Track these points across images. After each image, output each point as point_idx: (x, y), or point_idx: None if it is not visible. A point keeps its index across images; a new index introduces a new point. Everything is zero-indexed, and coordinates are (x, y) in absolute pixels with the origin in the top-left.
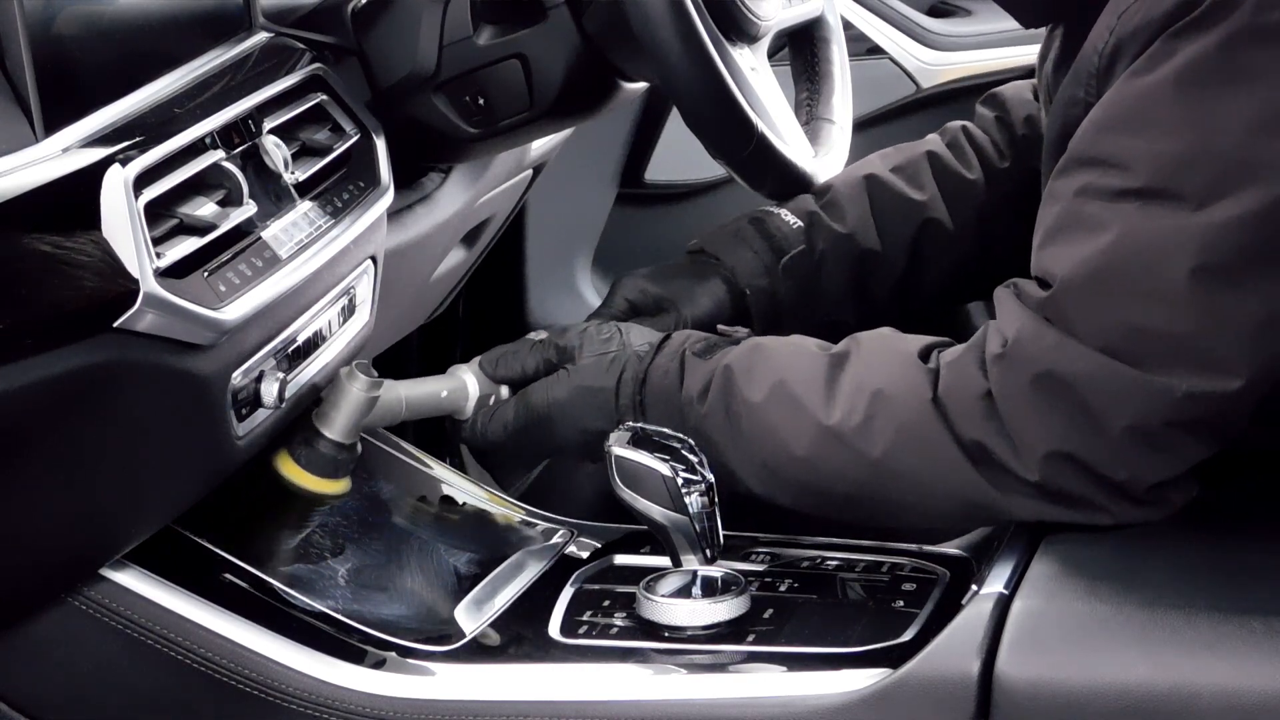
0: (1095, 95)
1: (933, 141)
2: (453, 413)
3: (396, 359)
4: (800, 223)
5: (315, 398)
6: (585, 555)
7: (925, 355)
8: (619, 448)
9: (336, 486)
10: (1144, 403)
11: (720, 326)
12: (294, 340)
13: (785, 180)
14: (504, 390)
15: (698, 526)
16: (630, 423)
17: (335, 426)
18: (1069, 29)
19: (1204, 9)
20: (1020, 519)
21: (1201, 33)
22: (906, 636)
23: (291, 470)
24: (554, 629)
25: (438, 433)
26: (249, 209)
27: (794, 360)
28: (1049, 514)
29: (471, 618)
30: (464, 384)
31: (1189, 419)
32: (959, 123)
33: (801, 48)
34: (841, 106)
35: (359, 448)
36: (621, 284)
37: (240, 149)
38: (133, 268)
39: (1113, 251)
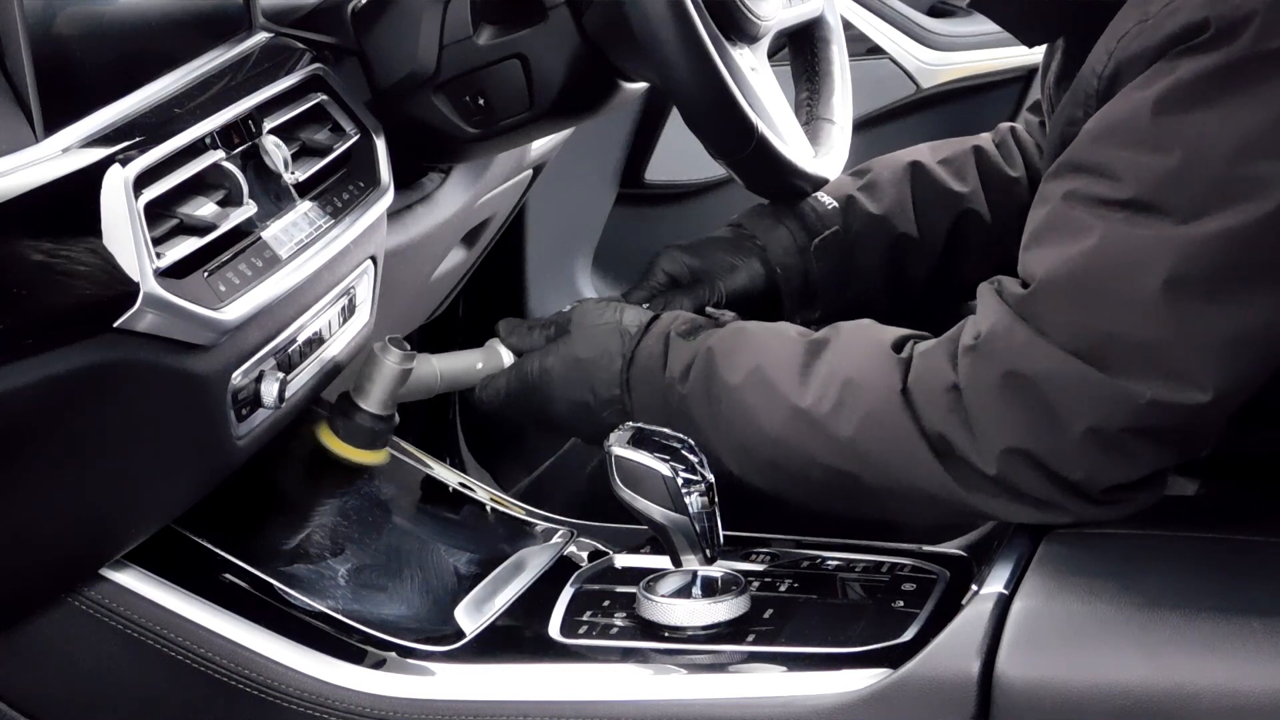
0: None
1: (982, 138)
2: None
3: None
4: (836, 204)
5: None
6: (585, 555)
7: (899, 346)
8: (619, 448)
9: (376, 457)
10: (1106, 406)
11: (709, 309)
12: (294, 340)
13: (785, 180)
14: None
15: (698, 526)
16: (615, 396)
17: (371, 399)
18: (1070, 46)
19: (1206, 38)
20: (981, 515)
21: (1202, 55)
22: (906, 636)
23: (331, 441)
24: (554, 629)
25: (439, 433)
26: (249, 209)
27: (773, 345)
28: (1008, 512)
29: (471, 618)
30: (500, 356)
31: (1152, 427)
32: (1009, 124)
33: (801, 48)
34: (841, 106)
35: (396, 418)
36: (661, 256)
37: (240, 149)
38: (133, 268)
39: (1093, 256)
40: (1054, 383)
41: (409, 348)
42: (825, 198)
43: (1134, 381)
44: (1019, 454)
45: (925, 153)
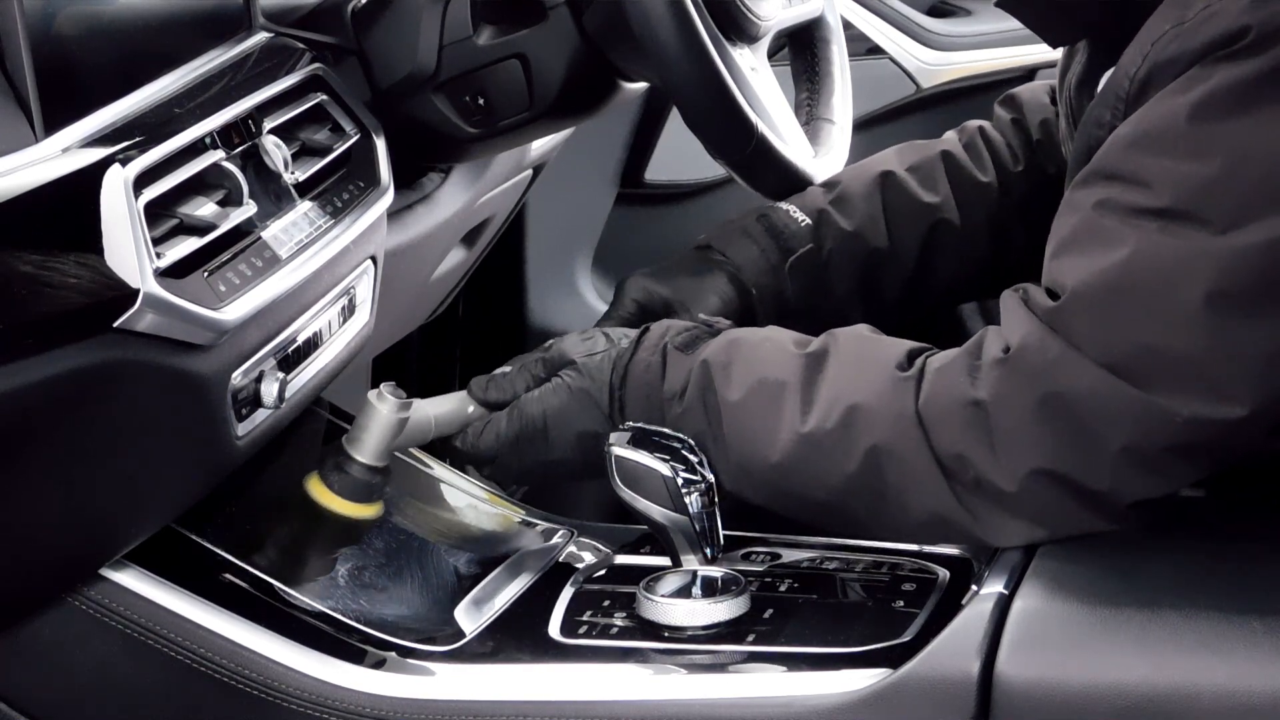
0: (1122, 119)
1: (950, 141)
2: None
3: (397, 359)
4: (808, 220)
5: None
6: (585, 555)
7: (904, 363)
8: (619, 448)
9: (369, 510)
10: (1144, 425)
11: (701, 315)
12: (294, 340)
13: (785, 180)
14: None
15: (698, 526)
16: (613, 417)
17: (366, 449)
18: (1095, 48)
19: (1246, 43)
20: (979, 538)
21: (1242, 61)
22: (906, 636)
23: (323, 495)
24: (554, 629)
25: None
26: (249, 209)
27: (770, 358)
28: (1013, 534)
29: (471, 618)
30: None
31: (1187, 444)
32: (977, 123)
33: (801, 48)
34: (841, 106)
35: (390, 470)
36: (627, 286)
37: (240, 149)
38: (132, 268)
39: (1128, 267)
40: (1089, 400)
41: (405, 395)
42: (798, 214)
43: (1171, 398)
44: (1046, 474)
45: (894, 160)
